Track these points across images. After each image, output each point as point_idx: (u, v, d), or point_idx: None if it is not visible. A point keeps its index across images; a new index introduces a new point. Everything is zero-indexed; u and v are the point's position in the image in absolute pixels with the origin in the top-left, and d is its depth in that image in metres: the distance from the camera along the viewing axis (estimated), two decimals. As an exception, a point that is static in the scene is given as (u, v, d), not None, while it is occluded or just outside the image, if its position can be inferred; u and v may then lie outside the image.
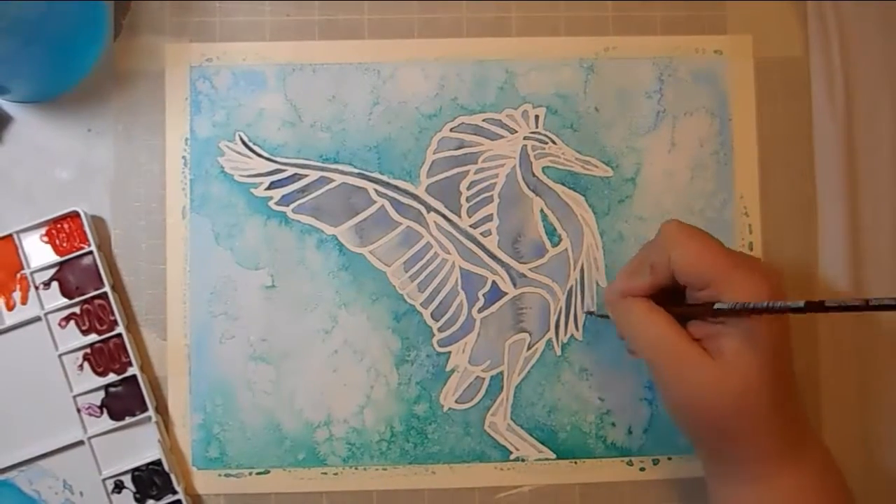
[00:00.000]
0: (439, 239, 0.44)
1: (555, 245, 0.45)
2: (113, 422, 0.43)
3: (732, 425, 0.35)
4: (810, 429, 0.38)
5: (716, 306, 0.35)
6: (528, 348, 0.44)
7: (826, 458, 0.37)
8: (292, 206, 0.44)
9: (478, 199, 0.45)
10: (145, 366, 0.44)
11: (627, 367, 0.44)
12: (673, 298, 0.38)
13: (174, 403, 0.44)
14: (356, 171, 0.45)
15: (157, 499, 0.43)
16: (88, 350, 0.43)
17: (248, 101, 0.45)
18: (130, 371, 0.43)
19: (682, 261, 0.36)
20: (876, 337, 0.45)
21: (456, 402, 0.44)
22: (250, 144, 0.45)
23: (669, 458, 0.44)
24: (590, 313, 0.44)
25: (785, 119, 0.46)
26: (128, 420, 0.43)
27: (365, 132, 0.45)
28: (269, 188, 0.44)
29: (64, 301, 0.43)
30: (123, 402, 0.43)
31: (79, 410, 0.43)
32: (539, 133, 0.45)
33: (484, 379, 0.44)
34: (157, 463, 0.43)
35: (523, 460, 0.44)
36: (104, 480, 0.42)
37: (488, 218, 0.45)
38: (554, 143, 0.45)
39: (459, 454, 0.44)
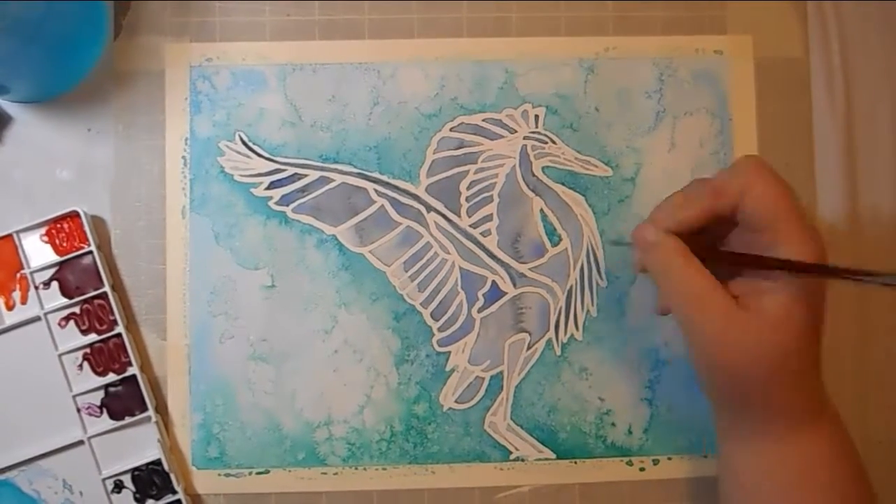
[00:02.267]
0: (439, 239, 0.44)
1: (554, 245, 0.45)
2: (113, 421, 0.43)
3: (767, 384, 0.35)
4: (828, 395, 0.37)
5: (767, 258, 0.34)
6: (528, 348, 0.44)
7: (841, 426, 0.37)
8: (292, 205, 0.44)
9: (478, 198, 0.45)
10: (145, 366, 0.44)
11: (627, 367, 0.44)
12: (698, 249, 0.37)
13: (174, 403, 0.44)
14: (356, 170, 0.45)
15: (157, 499, 0.43)
16: (88, 350, 0.43)
17: (248, 101, 0.45)
18: (130, 371, 0.43)
19: (763, 195, 0.35)
20: (875, 304, 0.45)
21: (456, 401, 0.44)
22: (250, 144, 0.45)
23: (669, 458, 0.44)
24: (613, 243, 0.44)
25: (785, 119, 0.46)
26: (127, 420, 0.43)
27: (365, 132, 0.45)
28: (268, 188, 0.44)
29: (64, 301, 0.43)
30: (123, 402, 0.43)
31: (78, 410, 0.43)
32: (539, 133, 0.45)
33: (484, 379, 0.44)
34: (157, 463, 0.43)
35: (523, 460, 0.44)
36: (104, 480, 0.42)
37: (488, 218, 0.45)
38: (554, 142, 0.45)
39: (459, 454, 0.44)
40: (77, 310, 0.43)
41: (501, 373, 0.44)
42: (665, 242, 0.36)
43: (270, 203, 0.44)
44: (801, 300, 0.34)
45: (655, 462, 0.44)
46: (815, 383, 0.36)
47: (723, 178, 0.36)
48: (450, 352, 0.44)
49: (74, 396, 0.43)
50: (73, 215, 0.43)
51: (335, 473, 0.44)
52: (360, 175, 0.45)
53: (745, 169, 0.36)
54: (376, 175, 0.45)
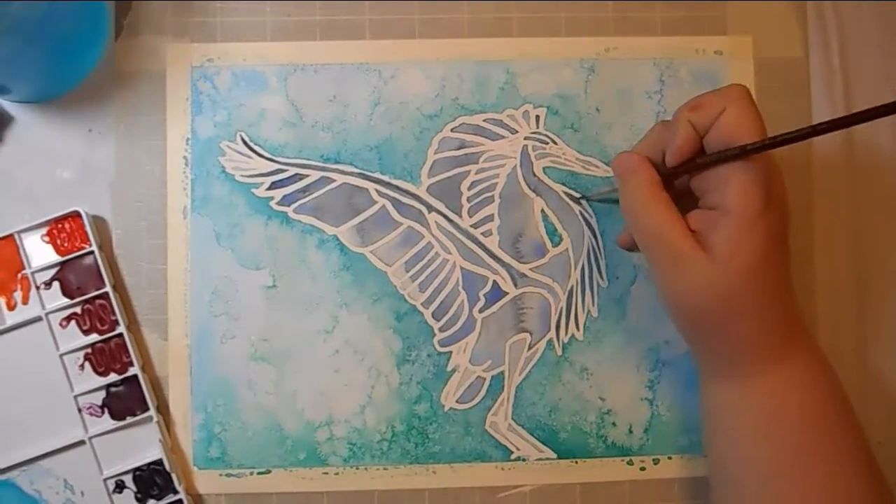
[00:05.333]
0: (440, 239, 0.45)
1: (555, 245, 0.45)
2: (114, 421, 0.43)
3: (721, 323, 0.35)
4: (802, 325, 0.37)
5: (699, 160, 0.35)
6: (529, 348, 0.44)
7: (817, 355, 0.37)
8: (293, 206, 0.44)
9: (479, 199, 0.45)
10: (146, 365, 0.44)
11: (628, 367, 0.44)
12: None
13: (175, 403, 0.44)
14: (357, 171, 0.45)
15: (159, 499, 0.43)
16: (89, 350, 0.43)
17: (249, 102, 0.45)
18: (131, 371, 0.43)
19: (737, 116, 0.34)
20: (875, 304, 0.45)
21: (457, 401, 0.44)
22: (251, 144, 0.45)
23: (670, 458, 0.44)
24: (583, 198, 0.44)
25: (785, 119, 0.46)
26: (129, 420, 0.43)
27: (366, 132, 0.45)
28: (270, 188, 0.44)
29: (65, 301, 0.43)
30: (124, 402, 0.43)
31: (80, 410, 0.43)
32: (540, 133, 0.45)
33: (485, 379, 0.44)
34: (159, 463, 0.43)
35: (524, 460, 0.44)
36: (105, 480, 0.42)
37: (489, 218, 0.45)
38: (555, 143, 0.45)
39: (460, 454, 0.44)
40: (78, 310, 0.43)
41: (502, 373, 0.44)
42: (639, 171, 0.37)
43: (272, 203, 0.44)
44: (743, 235, 0.34)
45: (656, 462, 0.44)
46: (777, 317, 0.36)
47: (704, 96, 0.36)
48: (451, 352, 0.44)
49: (76, 396, 0.43)
50: (75, 215, 0.43)
51: (336, 473, 0.44)
52: (361, 175, 0.45)
53: (728, 91, 0.36)
54: (377, 175, 0.45)
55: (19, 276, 0.43)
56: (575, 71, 0.45)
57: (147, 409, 0.43)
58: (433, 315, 0.44)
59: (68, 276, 0.43)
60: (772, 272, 0.35)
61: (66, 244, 0.43)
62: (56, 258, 0.43)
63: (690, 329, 0.37)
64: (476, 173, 0.45)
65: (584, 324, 0.45)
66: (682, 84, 0.46)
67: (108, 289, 0.43)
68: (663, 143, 0.37)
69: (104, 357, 0.43)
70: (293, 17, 0.45)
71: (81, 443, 0.43)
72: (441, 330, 0.44)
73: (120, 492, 0.43)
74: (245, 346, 0.44)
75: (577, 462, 0.44)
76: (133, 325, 0.44)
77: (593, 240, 0.45)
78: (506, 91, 0.45)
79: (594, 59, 0.45)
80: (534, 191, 0.45)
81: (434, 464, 0.44)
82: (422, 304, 0.44)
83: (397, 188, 0.45)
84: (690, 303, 0.36)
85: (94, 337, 0.43)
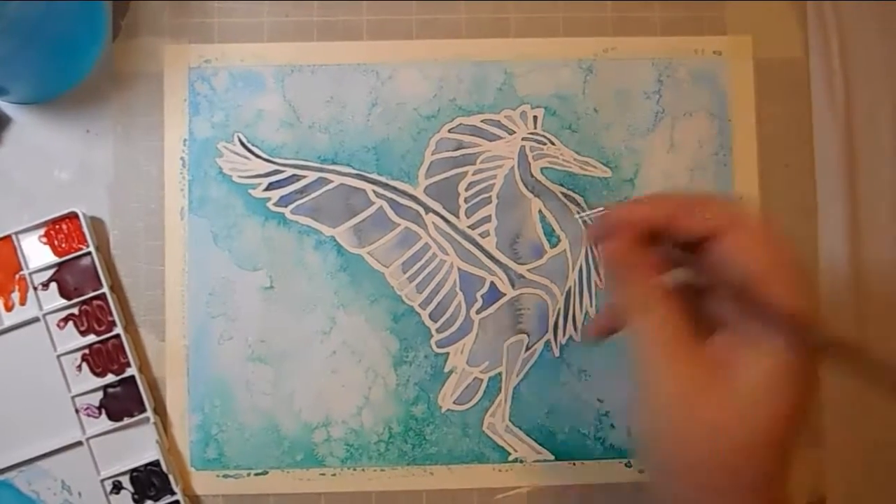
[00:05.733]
0: (437, 240, 0.44)
1: (553, 246, 0.45)
2: (111, 422, 0.43)
3: (735, 477, 0.27)
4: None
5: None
6: (527, 349, 0.44)
7: None
8: (291, 206, 0.44)
9: (476, 199, 0.45)
10: (144, 366, 0.44)
11: (626, 369, 0.44)
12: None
13: (172, 404, 0.44)
14: (355, 171, 0.45)
15: (156, 499, 0.43)
16: (87, 351, 0.43)
17: (246, 103, 0.45)
18: (129, 372, 0.43)
19: (746, 241, 0.28)
20: (875, 305, 0.45)
21: (454, 403, 0.44)
22: (249, 145, 0.45)
23: (668, 460, 0.44)
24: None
25: (785, 119, 0.46)
26: (126, 421, 0.43)
27: (363, 133, 0.45)
28: (267, 189, 0.44)
29: (62, 302, 0.43)
30: (122, 403, 0.43)
31: (77, 411, 0.43)
32: (537, 134, 0.45)
33: (482, 380, 0.44)
34: (156, 463, 0.43)
35: (522, 461, 0.44)
36: (102, 481, 0.42)
37: (486, 219, 0.45)
38: (552, 143, 0.45)
39: (458, 455, 0.44)
40: (76, 311, 0.43)
41: (500, 374, 0.44)
42: (656, 309, 0.29)
43: (269, 204, 0.44)
44: (787, 370, 0.26)
45: (654, 463, 0.44)
46: (787, 474, 0.28)
47: (707, 201, 0.30)
48: (448, 353, 0.44)
49: (73, 397, 0.43)
50: (72, 216, 0.43)
51: (333, 474, 0.44)
52: (358, 176, 0.45)
53: (724, 208, 0.29)
54: (375, 176, 0.45)
55: (17, 276, 0.43)
56: (573, 71, 0.45)
57: (144, 409, 0.43)
58: (430, 316, 0.44)
59: (66, 277, 0.43)
60: (804, 417, 0.27)
61: (63, 245, 0.43)
62: (53, 259, 0.43)
63: (686, 486, 0.28)
64: (474, 174, 0.45)
65: (582, 325, 0.44)
66: (681, 84, 0.45)
67: (105, 290, 0.43)
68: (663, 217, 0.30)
69: (101, 358, 0.43)
70: (291, 17, 0.45)
71: (79, 444, 0.43)
72: (438, 331, 0.44)
73: (117, 492, 0.43)
74: (242, 347, 0.44)
75: (574, 464, 0.44)
76: (130, 325, 0.44)
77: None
78: (503, 92, 0.45)
79: (592, 59, 0.45)
80: (531, 192, 0.45)
81: (431, 465, 0.44)
82: (419, 305, 0.44)
83: (395, 189, 0.44)
84: (703, 450, 0.27)
85: (92, 338, 0.43)
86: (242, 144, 0.45)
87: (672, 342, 0.28)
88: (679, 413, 0.27)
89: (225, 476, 0.44)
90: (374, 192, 0.44)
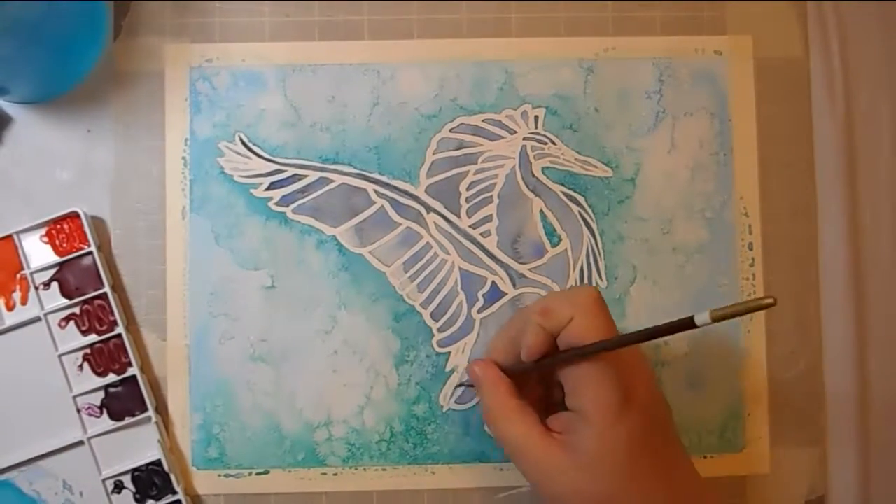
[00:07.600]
0: (439, 239, 0.44)
1: (554, 245, 0.45)
2: (113, 422, 0.43)
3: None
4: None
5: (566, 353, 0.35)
6: (528, 349, 0.44)
7: None
8: (292, 206, 0.44)
9: (477, 199, 0.45)
10: (145, 366, 0.44)
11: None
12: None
13: (174, 404, 0.44)
14: (356, 171, 0.45)
15: (157, 499, 0.43)
16: (88, 350, 0.43)
17: (247, 102, 0.45)
18: (130, 371, 0.43)
19: (587, 325, 0.35)
20: (874, 305, 0.45)
21: (455, 402, 0.44)
22: (250, 145, 0.45)
23: (669, 459, 0.44)
24: (461, 385, 0.44)
25: (785, 119, 0.46)
26: (127, 420, 0.43)
27: (365, 133, 0.45)
28: (268, 189, 0.44)
29: (64, 301, 0.43)
30: (123, 403, 0.43)
31: (78, 411, 0.43)
32: (538, 133, 0.45)
33: (483, 379, 0.44)
34: (157, 463, 0.43)
35: (523, 461, 0.44)
36: (104, 481, 0.42)
37: (488, 218, 0.45)
38: (553, 143, 0.45)
39: (459, 454, 0.44)
40: (77, 310, 0.43)
41: (501, 373, 0.44)
42: (486, 380, 0.38)
43: (270, 204, 0.44)
44: (611, 437, 0.34)
45: (655, 462, 0.44)
46: None
47: (553, 300, 0.36)
48: (450, 352, 0.44)
49: (74, 397, 0.43)
50: (73, 216, 0.43)
51: (335, 474, 0.44)
52: (359, 176, 0.45)
53: (577, 298, 0.36)
54: (376, 176, 0.45)
55: (18, 276, 0.43)
56: (574, 71, 0.45)
57: (146, 409, 0.43)
58: (432, 315, 0.44)
59: (67, 277, 0.43)
60: (645, 474, 0.34)
61: (64, 245, 0.43)
62: (55, 259, 0.43)
63: None
64: (475, 174, 0.45)
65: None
66: (682, 84, 0.45)
67: (106, 289, 0.43)
68: (521, 335, 0.37)
69: (103, 357, 0.43)
70: (292, 17, 0.45)
71: (80, 443, 0.43)
72: (440, 330, 0.44)
73: (119, 492, 0.43)
74: (244, 347, 0.44)
75: (575, 463, 0.44)
76: (132, 325, 0.44)
77: (592, 240, 0.45)
78: (504, 91, 0.45)
79: (593, 59, 0.45)
80: (533, 191, 0.45)
81: (433, 464, 0.44)
82: (420, 304, 0.44)
83: (396, 188, 0.45)
84: None
85: (93, 337, 0.43)
86: (244, 144, 0.45)
87: (505, 395, 0.38)
88: (550, 485, 0.35)
89: (226, 475, 0.44)
90: (376, 191, 0.45)
